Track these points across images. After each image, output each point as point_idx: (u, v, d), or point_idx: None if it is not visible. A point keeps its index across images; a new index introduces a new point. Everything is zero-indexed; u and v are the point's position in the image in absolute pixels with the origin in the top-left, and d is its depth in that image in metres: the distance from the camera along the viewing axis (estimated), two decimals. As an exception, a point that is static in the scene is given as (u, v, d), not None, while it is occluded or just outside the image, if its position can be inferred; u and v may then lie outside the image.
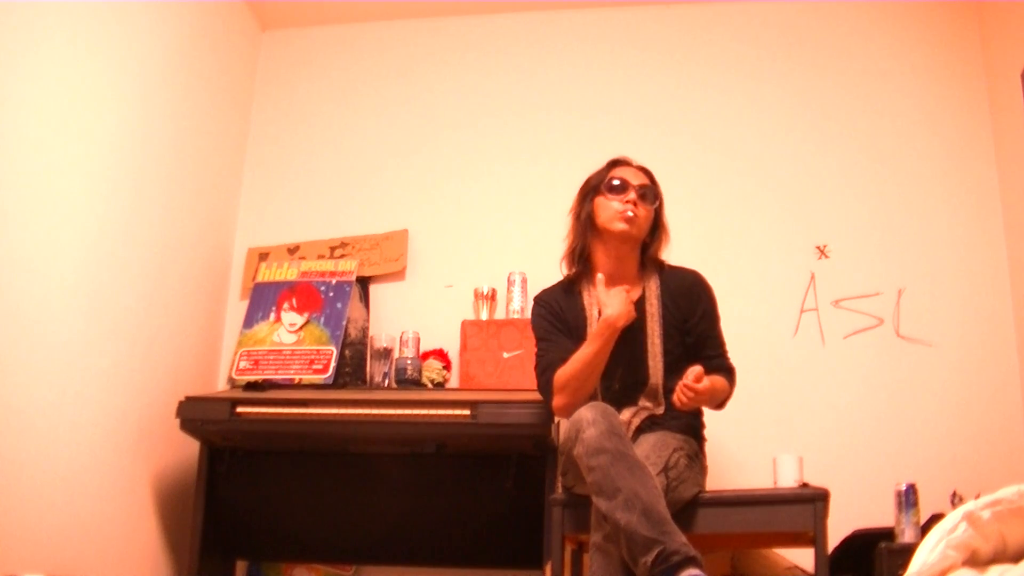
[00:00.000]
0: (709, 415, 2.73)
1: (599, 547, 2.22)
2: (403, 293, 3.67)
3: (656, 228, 2.73)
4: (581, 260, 2.74)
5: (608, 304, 2.56)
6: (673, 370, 2.59)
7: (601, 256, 2.72)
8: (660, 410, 2.58)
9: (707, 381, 2.45)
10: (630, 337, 2.61)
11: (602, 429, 2.24)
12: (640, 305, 2.67)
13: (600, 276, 2.63)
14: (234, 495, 3.15)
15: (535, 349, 2.70)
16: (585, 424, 2.27)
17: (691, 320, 2.67)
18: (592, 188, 2.74)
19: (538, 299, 2.78)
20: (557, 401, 2.60)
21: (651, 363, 2.60)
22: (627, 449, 2.25)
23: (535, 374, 2.68)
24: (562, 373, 2.57)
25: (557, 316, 2.70)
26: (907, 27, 3.68)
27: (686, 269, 2.77)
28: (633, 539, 2.10)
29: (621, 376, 2.60)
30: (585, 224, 2.72)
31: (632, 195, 2.66)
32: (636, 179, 2.71)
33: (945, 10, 3.66)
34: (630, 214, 2.64)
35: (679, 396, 2.45)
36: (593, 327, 2.62)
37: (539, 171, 3.74)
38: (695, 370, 2.44)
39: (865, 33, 3.70)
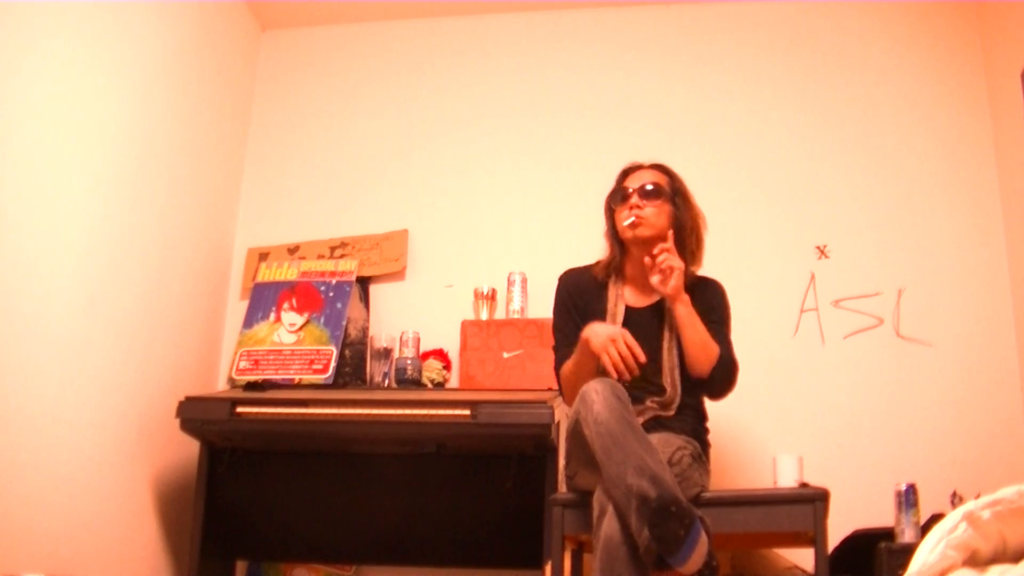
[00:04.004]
0: (712, 414, 2.73)
1: (602, 532, 2.20)
2: (403, 293, 3.67)
3: (683, 219, 2.71)
4: (617, 267, 2.79)
5: (598, 331, 2.54)
6: (689, 382, 2.61)
7: (629, 265, 2.76)
8: (667, 413, 2.59)
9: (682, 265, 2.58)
10: (647, 341, 2.62)
11: (611, 400, 2.26)
12: (659, 308, 2.68)
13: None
14: (234, 495, 3.15)
15: (553, 333, 2.78)
16: (594, 394, 2.29)
17: (701, 317, 2.67)
18: (608, 206, 2.79)
19: (562, 277, 2.82)
20: (565, 399, 2.68)
21: (667, 374, 2.62)
22: (635, 422, 2.27)
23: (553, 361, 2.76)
24: (561, 373, 2.67)
25: (572, 300, 2.75)
26: (907, 27, 3.68)
27: (707, 279, 2.78)
28: (643, 503, 2.09)
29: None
30: (613, 239, 2.77)
31: (634, 199, 2.69)
32: (638, 181, 2.73)
33: (945, 10, 3.66)
34: (631, 219, 2.66)
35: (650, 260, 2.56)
36: (613, 321, 2.66)
37: (539, 171, 3.74)
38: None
39: (865, 33, 3.70)
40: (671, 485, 2.13)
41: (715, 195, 3.58)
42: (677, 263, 2.57)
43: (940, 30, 3.65)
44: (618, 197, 2.74)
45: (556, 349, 2.73)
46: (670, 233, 2.62)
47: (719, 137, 3.68)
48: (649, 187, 2.70)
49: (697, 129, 3.70)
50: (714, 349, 2.60)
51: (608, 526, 2.18)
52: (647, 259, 2.59)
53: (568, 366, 2.63)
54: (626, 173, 2.79)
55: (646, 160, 2.83)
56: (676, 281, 2.57)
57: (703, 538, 2.07)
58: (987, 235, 3.41)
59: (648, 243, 2.67)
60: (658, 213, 2.69)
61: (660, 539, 2.04)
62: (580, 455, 2.38)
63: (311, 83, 4.01)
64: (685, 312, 2.59)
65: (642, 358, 2.48)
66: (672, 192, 2.73)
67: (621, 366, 2.45)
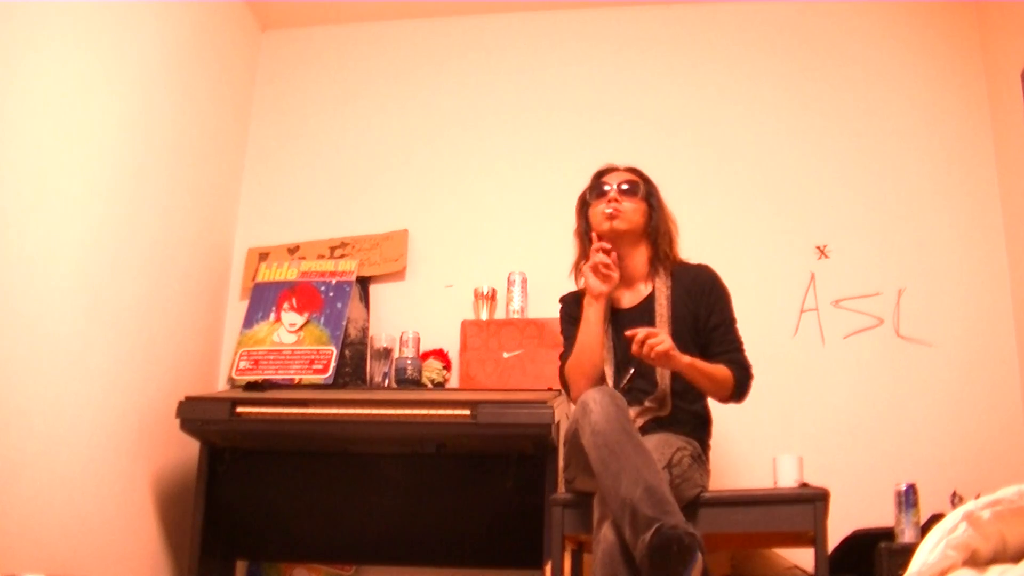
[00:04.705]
0: (712, 414, 2.73)
1: (601, 535, 2.21)
2: (403, 293, 3.67)
3: (657, 220, 2.74)
4: None
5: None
6: (683, 385, 2.60)
7: None
8: (665, 412, 2.58)
9: (670, 343, 2.46)
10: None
11: (609, 410, 2.26)
12: (649, 305, 2.67)
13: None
14: (234, 495, 3.15)
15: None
16: (592, 403, 2.29)
17: (702, 318, 2.67)
18: (583, 202, 2.81)
19: (561, 300, 2.85)
20: (571, 393, 2.66)
21: (658, 369, 2.60)
22: (633, 431, 2.26)
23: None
24: (567, 365, 2.67)
25: (574, 318, 2.75)
26: (907, 27, 3.68)
27: (698, 265, 2.78)
28: (636, 515, 2.09)
29: (632, 376, 2.61)
30: (584, 237, 2.78)
31: (613, 193, 2.71)
32: (616, 179, 2.76)
33: (945, 10, 3.66)
34: (610, 210, 2.68)
35: (635, 347, 2.45)
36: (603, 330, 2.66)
37: (539, 171, 3.74)
38: (649, 330, 2.46)
39: (865, 33, 3.70)
40: (664, 498, 2.12)
41: (715, 195, 3.60)
42: (665, 345, 2.45)
43: (940, 30, 3.65)
44: (595, 192, 2.76)
45: (562, 355, 2.74)
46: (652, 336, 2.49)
47: (719, 137, 3.68)
48: (627, 185, 2.74)
49: (697, 129, 3.70)
50: (727, 380, 2.59)
51: (608, 530, 2.19)
52: (634, 349, 2.47)
53: (575, 348, 2.64)
54: (602, 173, 2.81)
55: (621, 164, 2.84)
56: (674, 359, 2.48)
57: (699, 562, 2.06)
58: (987, 235, 3.41)
59: (622, 237, 2.70)
60: (635, 210, 2.72)
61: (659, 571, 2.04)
62: (579, 461, 2.38)
63: (311, 83, 4.01)
64: (688, 368, 2.52)
65: (607, 245, 2.65)
66: (647, 193, 2.76)
67: (604, 263, 2.59)
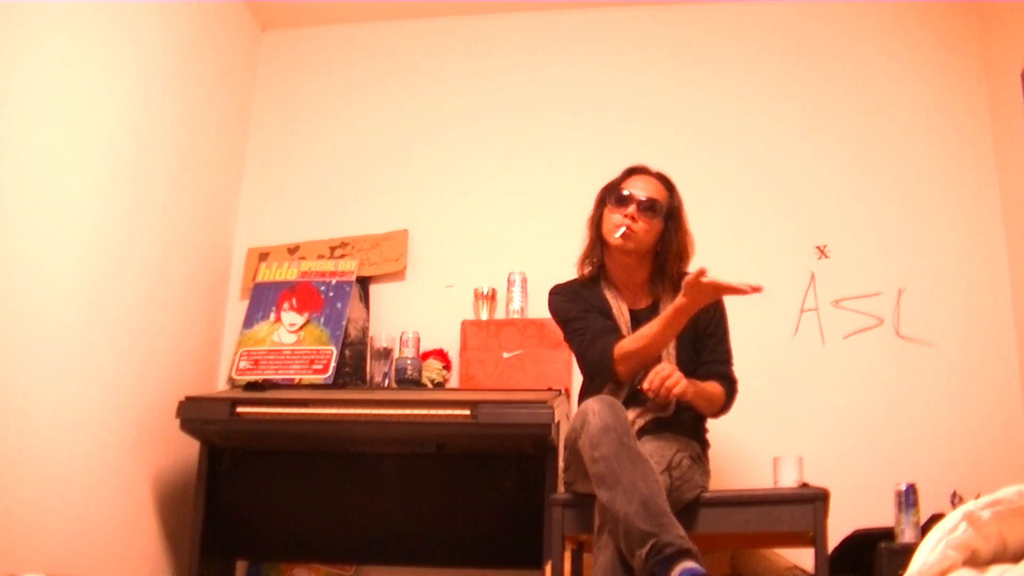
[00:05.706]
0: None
1: (602, 542, 2.22)
2: (403, 293, 3.67)
3: (668, 241, 2.67)
4: (596, 263, 2.74)
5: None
6: None
7: (609, 263, 2.73)
8: (668, 413, 2.58)
9: (685, 382, 2.47)
10: None
11: (607, 421, 2.26)
12: (655, 312, 2.64)
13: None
14: (234, 495, 3.15)
15: (567, 330, 2.70)
16: (591, 415, 2.29)
17: (701, 325, 2.66)
18: (603, 197, 2.74)
19: (556, 290, 2.77)
20: (621, 369, 2.56)
21: None
22: (631, 442, 2.26)
23: (579, 348, 2.66)
24: (626, 344, 2.55)
25: (582, 300, 2.70)
26: (907, 27, 3.68)
27: None
28: (630, 531, 2.10)
29: (639, 379, 2.60)
30: (595, 232, 2.73)
31: (632, 209, 2.63)
32: (643, 191, 2.66)
33: (945, 10, 3.66)
34: (623, 230, 2.62)
35: (650, 381, 2.44)
36: (616, 319, 2.65)
37: (539, 171, 3.74)
38: (661, 373, 2.46)
39: (865, 33, 3.70)
40: (660, 511, 2.13)
41: (715, 195, 3.60)
42: (681, 386, 2.47)
43: (940, 30, 3.65)
44: (614, 197, 2.68)
45: (589, 327, 2.63)
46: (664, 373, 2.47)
47: (719, 137, 3.68)
48: (649, 202, 2.64)
49: (697, 129, 3.70)
50: (720, 399, 2.62)
51: (608, 537, 2.20)
52: (645, 386, 2.47)
53: (644, 336, 2.53)
54: (630, 173, 2.73)
55: (653, 168, 2.76)
56: (685, 394, 2.50)
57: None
58: (987, 235, 3.41)
59: (630, 255, 2.67)
60: (648, 231, 2.64)
61: None
62: (579, 466, 2.39)
63: (311, 83, 4.01)
64: (694, 397, 2.55)
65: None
66: (668, 212, 2.68)
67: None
